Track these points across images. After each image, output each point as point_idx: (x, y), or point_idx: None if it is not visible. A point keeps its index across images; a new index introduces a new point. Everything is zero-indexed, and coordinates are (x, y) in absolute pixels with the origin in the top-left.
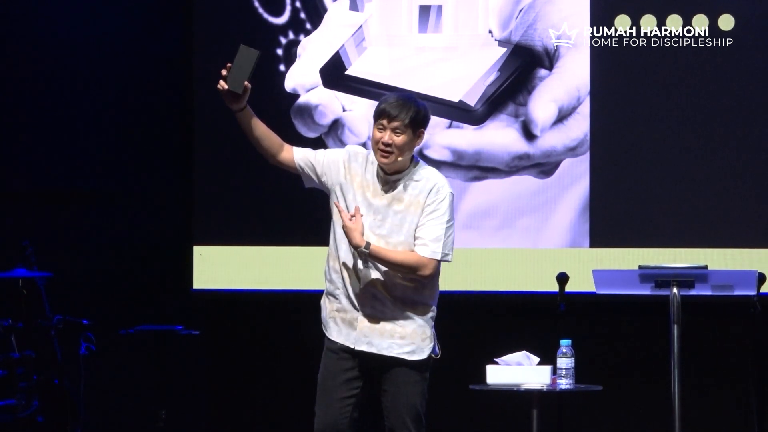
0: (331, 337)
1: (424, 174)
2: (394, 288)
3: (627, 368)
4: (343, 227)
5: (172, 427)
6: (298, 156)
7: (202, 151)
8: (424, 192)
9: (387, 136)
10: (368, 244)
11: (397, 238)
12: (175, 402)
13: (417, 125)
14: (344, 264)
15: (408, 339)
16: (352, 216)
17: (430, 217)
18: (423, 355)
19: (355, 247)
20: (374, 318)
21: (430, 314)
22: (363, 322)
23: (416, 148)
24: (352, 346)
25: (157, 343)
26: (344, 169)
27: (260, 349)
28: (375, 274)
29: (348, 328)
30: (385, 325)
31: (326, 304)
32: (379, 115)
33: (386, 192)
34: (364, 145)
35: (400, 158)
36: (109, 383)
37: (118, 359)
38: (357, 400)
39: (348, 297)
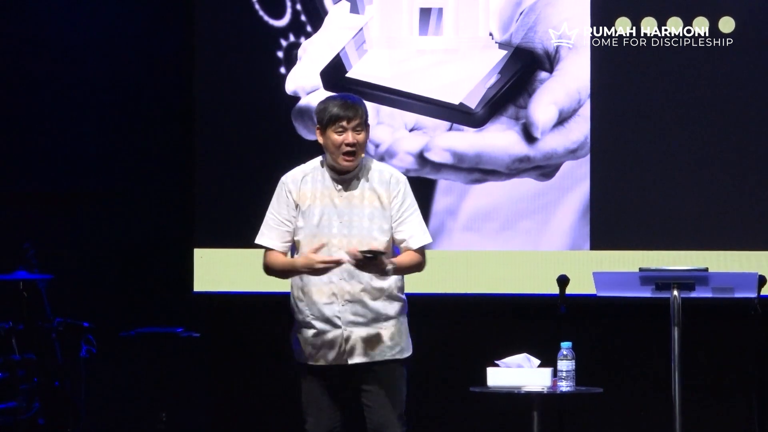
0: (317, 364)
1: (374, 167)
2: (368, 295)
3: (628, 371)
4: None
5: (172, 430)
6: (284, 246)
7: (203, 153)
8: (382, 184)
9: (351, 137)
10: (391, 269)
11: (369, 234)
12: (175, 404)
13: (368, 120)
14: (311, 290)
15: (395, 339)
16: (327, 261)
17: (402, 210)
18: (409, 351)
19: (383, 273)
20: (357, 329)
21: (405, 309)
22: (347, 336)
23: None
24: (345, 363)
25: (158, 345)
26: (293, 200)
27: (261, 352)
28: (349, 287)
29: (330, 349)
30: (370, 334)
31: (300, 337)
32: (336, 119)
33: (344, 191)
34: None
35: (361, 155)
36: (109, 386)
37: (118, 362)
38: (343, 404)
39: (325, 321)
